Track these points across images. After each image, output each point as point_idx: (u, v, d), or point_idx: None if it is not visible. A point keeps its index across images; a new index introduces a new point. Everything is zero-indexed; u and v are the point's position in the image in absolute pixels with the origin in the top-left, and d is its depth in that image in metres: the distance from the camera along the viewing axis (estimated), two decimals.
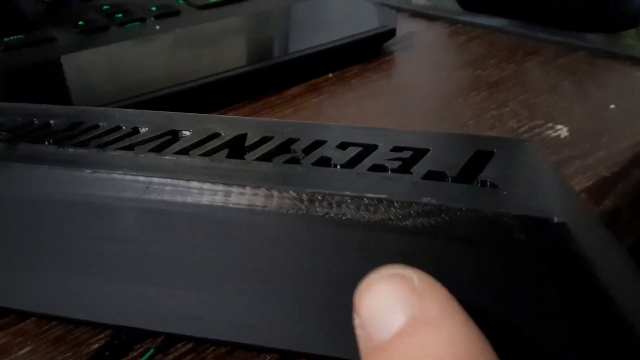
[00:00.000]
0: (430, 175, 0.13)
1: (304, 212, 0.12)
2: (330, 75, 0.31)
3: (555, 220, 0.11)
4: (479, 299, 0.12)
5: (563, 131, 0.24)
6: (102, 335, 0.15)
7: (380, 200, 0.12)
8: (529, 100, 0.27)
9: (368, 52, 0.33)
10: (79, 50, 0.28)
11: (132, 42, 0.29)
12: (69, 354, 0.15)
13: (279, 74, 0.29)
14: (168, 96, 0.26)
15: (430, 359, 0.09)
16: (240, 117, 0.17)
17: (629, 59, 0.31)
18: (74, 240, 0.14)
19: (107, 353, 0.14)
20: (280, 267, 0.13)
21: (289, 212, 0.13)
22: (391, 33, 0.33)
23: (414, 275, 0.10)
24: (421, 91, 0.29)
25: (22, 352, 0.15)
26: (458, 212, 0.12)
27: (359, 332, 0.11)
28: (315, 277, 0.13)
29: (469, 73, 0.31)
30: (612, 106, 0.26)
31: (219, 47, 0.30)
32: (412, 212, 0.12)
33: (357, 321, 0.11)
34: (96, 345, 0.15)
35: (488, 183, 0.13)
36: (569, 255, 0.11)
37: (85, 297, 0.14)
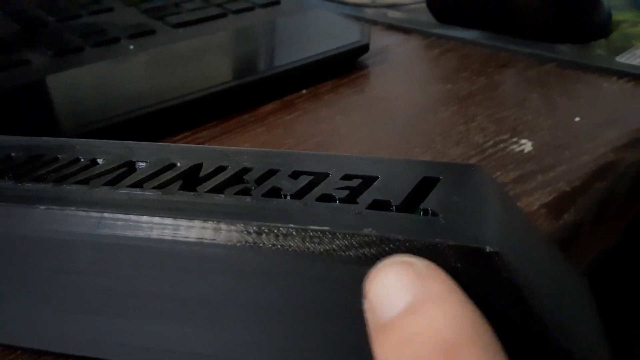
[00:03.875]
0: (375, 205, 0.14)
1: (252, 244, 0.13)
2: (304, 91, 0.31)
3: (488, 249, 0.12)
4: None
5: (527, 145, 0.25)
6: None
7: (324, 232, 0.13)
8: (497, 114, 0.28)
9: (342, 67, 0.33)
10: (52, 73, 0.28)
11: (106, 63, 0.30)
12: None
13: (252, 92, 0.30)
14: (141, 117, 0.26)
15: (434, 330, 0.10)
16: (200, 145, 0.17)
17: (597, 70, 0.32)
18: (33, 274, 0.14)
19: None
20: (232, 298, 0.13)
21: (237, 244, 0.13)
22: (365, 48, 0.34)
23: (418, 262, 0.12)
24: (393, 107, 0.30)
25: None
26: (397, 242, 0.12)
27: (367, 315, 0.12)
28: (266, 306, 0.13)
29: (441, 87, 0.31)
30: (577, 119, 0.27)
31: (192, 66, 0.31)
32: (354, 242, 0.12)
33: (366, 306, 0.12)
34: None
35: (429, 212, 0.13)
36: (501, 283, 0.12)
37: (46, 328, 0.15)
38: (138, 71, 0.30)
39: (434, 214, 0.13)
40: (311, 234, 0.13)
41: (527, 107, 0.28)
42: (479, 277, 0.12)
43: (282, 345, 0.14)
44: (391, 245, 0.12)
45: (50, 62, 0.29)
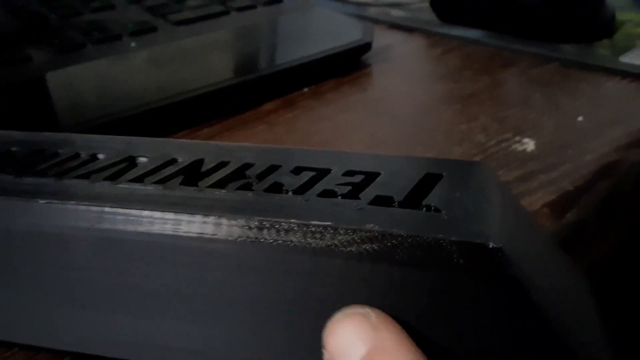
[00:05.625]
0: (377, 201, 0.13)
1: (253, 239, 0.13)
2: (306, 89, 0.31)
3: (491, 245, 0.12)
4: (424, 322, 0.13)
5: (530, 145, 0.25)
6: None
7: (325, 227, 0.13)
8: (499, 113, 0.28)
9: (344, 65, 0.33)
10: (54, 70, 0.28)
11: (107, 60, 0.30)
12: None
13: (253, 90, 0.30)
14: (141, 114, 0.26)
15: None
16: (201, 141, 0.17)
17: (601, 69, 0.31)
18: (31, 269, 0.14)
19: None
20: (233, 293, 0.13)
21: (238, 239, 0.13)
22: (367, 46, 0.33)
23: (372, 313, 0.12)
24: (395, 105, 0.30)
25: None
26: (400, 238, 0.12)
27: None
28: (267, 301, 0.13)
29: (443, 86, 0.31)
30: (580, 118, 0.27)
31: (194, 63, 0.30)
32: (356, 238, 0.12)
33: (325, 356, 0.12)
34: None
35: (432, 207, 0.13)
36: (505, 279, 0.12)
37: (44, 324, 0.15)
38: (139, 68, 0.30)
39: (437, 210, 0.13)
40: (313, 229, 0.13)
41: (530, 106, 0.28)
42: (482, 273, 0.12)
43: (281, 342, 0.13)
44: (393, 241, 0.12)
45: (51, 58, 0.29)
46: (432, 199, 0.13)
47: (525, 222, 0.15)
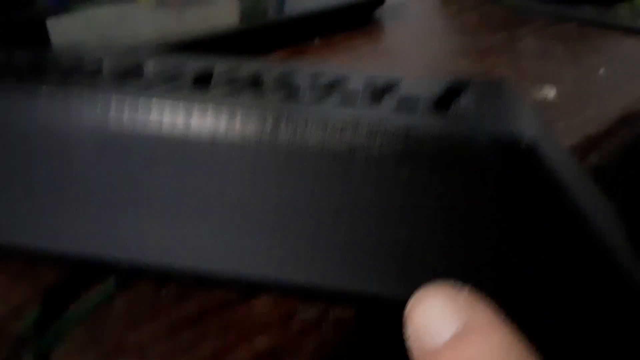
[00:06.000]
0: (401, 104, 0.13)
1: (268, 134, 0.12)
2: (317, 40, 0.30)
3: (524, 142, 0.11)
4: (453, 223, 0.12)
5: (551, 93, 0.24)
6: (62, 268, 0.14)
7: (346, 126, 0.12)
8: (518, 64, 0.27)
9: (357, 19, 0.32)
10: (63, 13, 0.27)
11: (111, 5, 0.29)
12: (26, 285, 0.14)
13: (265, 36, 0.29)
14: None
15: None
16: (211, 56, 0.16)
17: (620, 28, 0.30)
18: (34, 168, 0.13)
19: (67, 285, 0.14)
20: (246, 193, 0.13)
21: (253, 135, 0.12)
22: (380, 1, 0.33)
23: (464, 289, 0.11)
24: (409, 57, 0.29)
25: None
26: (427, 138, 0.11)
27: (411, 343, 0.11)
28: (282, 202, 0.12)
29: (459, 39, 0.30)
30: (602, 70, 0.26)
31: (204, 7, 0.30)
32: (379, 138, 0.12)
33: (409, 332, 0.11)
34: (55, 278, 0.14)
35: (461, 111, 0.12)
36: (538, 175, 0.11)
37: (46, 225, 0.14)
38: (150, 11, 0.29)
39: (465, 113, 0.12)
40: (332, 127, 0.12)
41: (550, 58, 0.27)
42: (516, 171, 0.11)
43: (294, 242, 0.13)
44: (419, 141, 0.11)
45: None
46: (459, 104, 0.13)
47: (550, 132, 0.14)
